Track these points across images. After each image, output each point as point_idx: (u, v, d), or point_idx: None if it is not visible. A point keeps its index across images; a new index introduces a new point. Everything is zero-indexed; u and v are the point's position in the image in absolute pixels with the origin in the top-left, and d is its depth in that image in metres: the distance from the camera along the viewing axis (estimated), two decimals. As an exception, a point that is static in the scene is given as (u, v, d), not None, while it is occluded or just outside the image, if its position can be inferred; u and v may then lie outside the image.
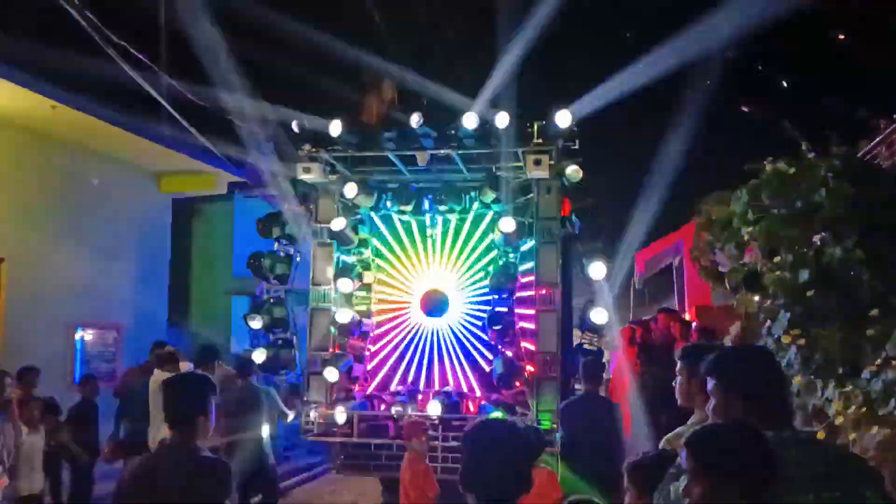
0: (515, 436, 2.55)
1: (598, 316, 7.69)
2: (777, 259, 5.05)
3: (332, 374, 7.88)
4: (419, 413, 7.53)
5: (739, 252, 5.77)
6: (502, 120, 7.59)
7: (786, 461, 2.02)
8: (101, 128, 9.30)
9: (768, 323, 4.97)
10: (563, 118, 7.57)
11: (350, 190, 7.98)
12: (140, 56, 8.61)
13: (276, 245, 8.40)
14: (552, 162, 7.60)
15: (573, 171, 7.72)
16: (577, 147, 7.93)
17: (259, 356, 8.20)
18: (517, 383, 7.75)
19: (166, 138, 9.79)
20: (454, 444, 7.26)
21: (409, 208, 8.36)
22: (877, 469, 2.38)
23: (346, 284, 8.12)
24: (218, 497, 3.28)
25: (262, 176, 9.98)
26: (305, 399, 8.13)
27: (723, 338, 6.31)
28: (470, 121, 7.63)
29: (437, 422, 7.37)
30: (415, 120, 7.80)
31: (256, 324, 8.21)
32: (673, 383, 3.34)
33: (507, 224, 7.59)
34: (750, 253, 5.74)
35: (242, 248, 11.12)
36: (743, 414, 2.23)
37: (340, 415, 7.66)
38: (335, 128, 7.86)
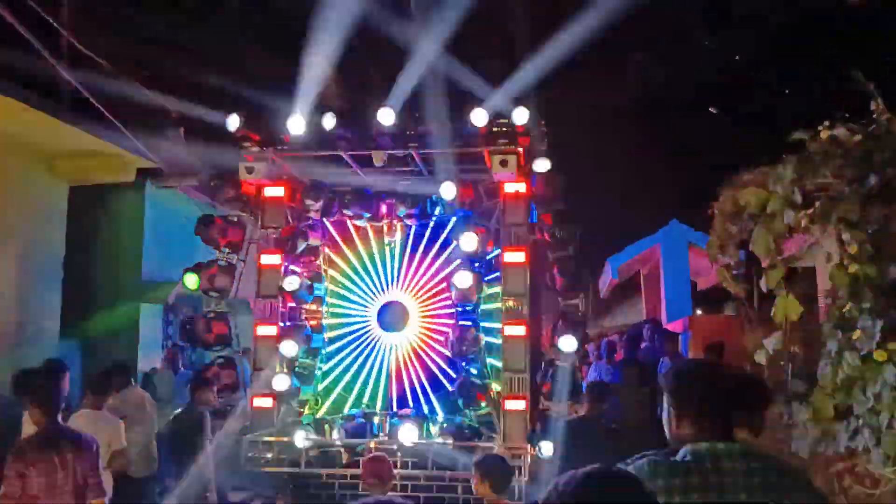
0: None
1: (566, 344, 7.26)
2: (853, 249, 4.13)
3: (289, 347, 7.18)
4: (379, 444, 6.93)
5: (777, 246, 4.85)
6: (478, 117, 7.09)
7: (721, 470, 2.19)
8: None
9: (838, 334, 4.11)
10: (520, 115, 7.16)
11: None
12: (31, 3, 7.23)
13: (217, 253, 7.43)
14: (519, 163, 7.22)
15: (541, 164, 7.35)
16: (545, 148, 7.59)
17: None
18: (482, 403, 7.40)
19: (61, 110, 8.32)
20: (414, 471, 6.81)
21: (365, 213, 7.70)
22: (812, 482, 2.41)
23: (290, 347, 7.34)
24: None
25: (183, 163, 8.86)
26: (248, 424, 7.33)
27: (729, 355, 6.08)
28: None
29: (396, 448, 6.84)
30: (386, 117, 7.09)
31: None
32: (658, 412, 3.01)
33: (469, 243, 7.11)
34: (789, 246, 4.93)
35: (154, 246, 9.86)
36: (686, 427, 2.37)
37: (299, 440, 6.95)
38: (296, 124, 7.02)
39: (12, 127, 8.15)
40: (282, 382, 7.20)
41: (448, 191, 7.05)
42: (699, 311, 11.38)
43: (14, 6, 7.30)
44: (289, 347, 7.29)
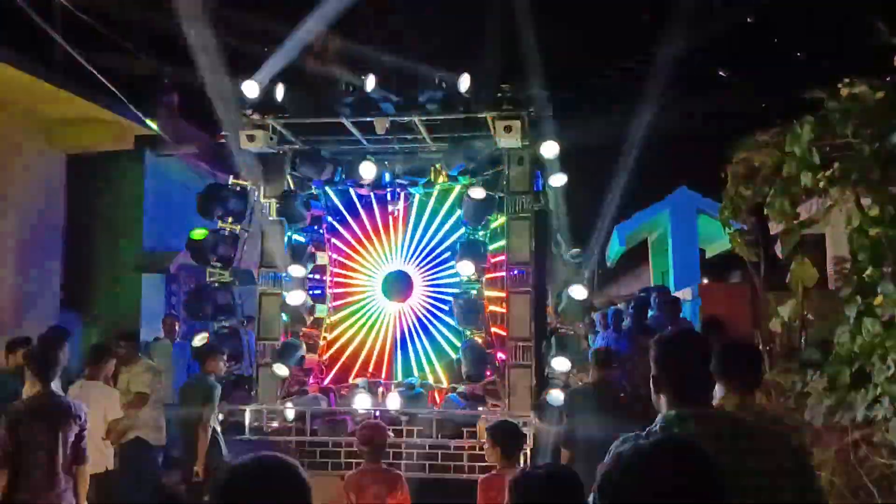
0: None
1: (577, 292, 7.23)
2: (874, 211, 3.94)
3: (281, 369, 7.08)
4: (381, 409, 6.91)
5: (792, 209, 4.64)
6: (465, 82, 6.93)
7: (694, 436, 2.15)
8: None
9: (858, 300, 3.89)
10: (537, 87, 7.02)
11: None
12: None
13: (219, 223, 7.31)
14: (524, 130, 7.06)
15: (548, 147, 7.20)
16: (551, 114, 7.42)
17: (199, 342, 7.19)
18: (487, 372, 7.34)
19: (57, 76, 8.14)
20: (418, 440, 6.80)
21: (367, 181, 7.55)
22: (789, 444, 2.45)
23: (297, 269, 7.29)
24: None
25: (182, 131, 8.71)
26: (254, 394, 7.30)
27: (735, 328, 5.95)
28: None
29: (398, 417, 6.81)
30: (370, 83, 6.96)
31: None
32: None
33: (477, 192, 6.99)
34: (805, 207, 4.75)
35: (154, 216, 9.72)
36: (665, 389, 2.44)
37: (290, 411, 6.92)
38: (280, 91, 6.88)
39: (8, 94, 7.99)
40: (296, 297, 7.12)
41: (477, 193, 6.91)
42: (705, 280, 11.26)
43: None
44: (295, 297, 7.17)
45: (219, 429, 6.53)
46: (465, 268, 6.95)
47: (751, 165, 4.97)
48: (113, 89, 8.17)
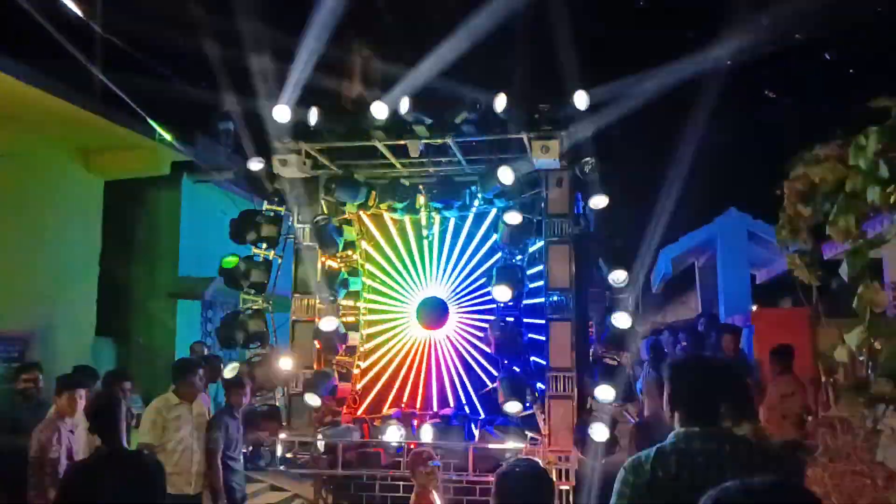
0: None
1: (620, 320, 6.91)
2: None
3: (313, 398, 6.86)
4: (414, 440, 6.65)
5: (858, 227, 4.28)
6: (500, 103, 6.70)
7: (693, 451, 2.51)
8: (9, 87, 7.11)
9: None
10: (581, 99, 6.72)
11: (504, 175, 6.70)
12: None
13: (253, 249, 7.20)
14: (562, 150, 6.80)
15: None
16: (590, 134, 7.16)
17: (230, 373, 7.03)
18: (526, 403, 7.01)
19: (95, 104, 8.20)
20: (454, 475, 6.52)
21: (401, 206, 7.37)
22: (786, 459, 2.66)
23: (331, 293, 7.12)
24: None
25: (219, 156, 8.68)
26: (286, 424, 7.10)
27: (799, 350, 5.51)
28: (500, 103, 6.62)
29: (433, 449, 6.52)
30: (405, 106, 6.79)
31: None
32: None
33: (513, 217, 6.72)
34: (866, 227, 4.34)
35: (190, 242, 9.70)
36: (679, 413, 2.66)
37: (321, 443, 6.71)
38: (313, 116, 6.76)
39: (46, 120, 8.07)
40: (328, 323, 6.93)
41: (506, 175, 6.63)
42: (754, 307, 10.74)
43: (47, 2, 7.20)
44: (328, 324, 6.98)
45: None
46: (502, 293, 6.68)
47: (810, 182, 4.61)
48: (144, 115, 8.16)
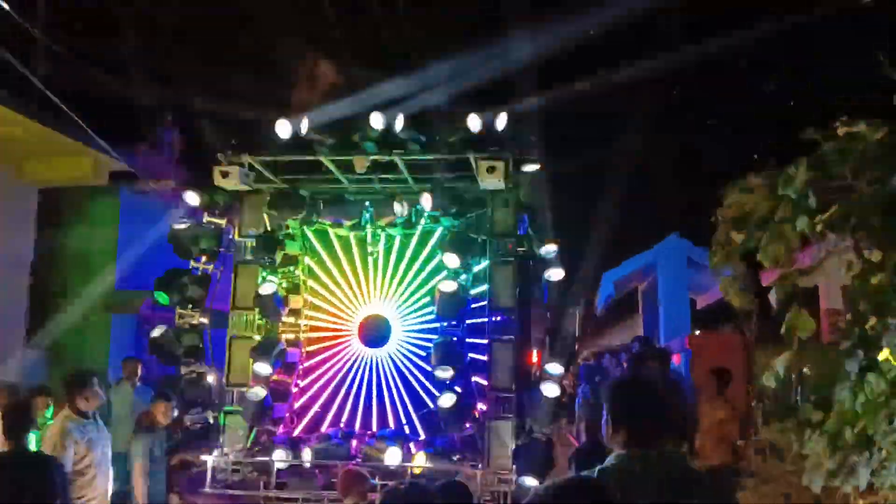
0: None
1: (550, 391, 6.58)
2: (876, 257, 3.77)
3: (263, 367, 6.74)
4: (356, 462, 6.51)
5: (787, 255, 4.41)
6: (473, 122, 6.72)
7: (633, 474, 2.44)
8: None
9: (859, 354, 3.72)
10: (501, 121, 6.82)
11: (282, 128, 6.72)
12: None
13: (191, 262, 7.00)
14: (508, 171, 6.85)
15: (531, 167, 6.97)
16: (534, 158, 7.23)
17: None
18: (466, 424, 6.96)
19: (29, 108, 7.91)
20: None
21: (347, 222, 7.30)
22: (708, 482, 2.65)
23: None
24: None
25: (158, 168, 8.46)
26: (220, 443, 6.88)
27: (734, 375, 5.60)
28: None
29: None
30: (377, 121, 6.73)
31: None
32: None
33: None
34: (799, 255, 4.51)
35: (129, 253, 9.37)
36: (620, 434, 2.59)
37: (262, 461, 6.53)
38: (282, 128, 6.64)
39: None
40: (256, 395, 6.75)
41: (426, 202, 6.68)
42: (697, 332, 10.95)
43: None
44: (262, 367, 6.83)
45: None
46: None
47: (742, 209, 4.72)
48: (79, 121, 7.88)
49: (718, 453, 6.04)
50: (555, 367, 6.75)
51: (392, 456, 6.32)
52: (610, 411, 2.66)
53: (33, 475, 3.62)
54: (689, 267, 10.61)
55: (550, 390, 6.42)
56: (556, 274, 7.00)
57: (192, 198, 7.10)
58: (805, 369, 4.92)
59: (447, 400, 6.48)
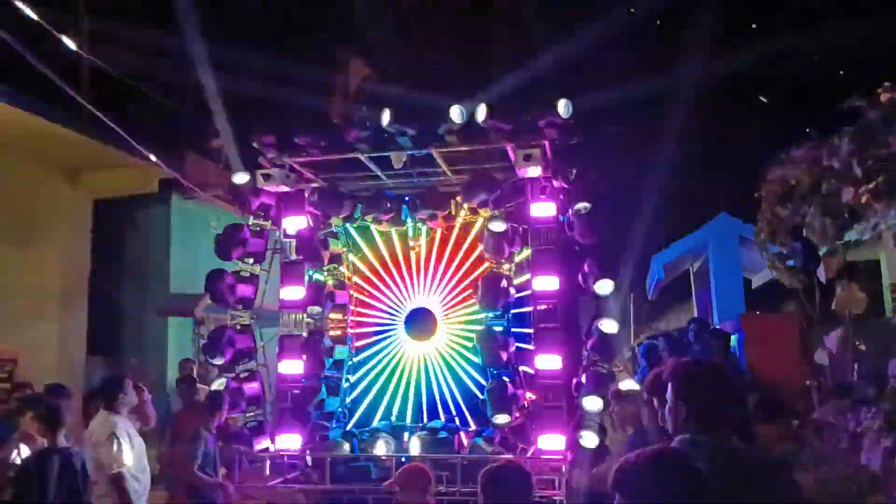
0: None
1: (608, 325, 6.65)
2: None
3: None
4: (405, 455, 6.57)
5: (835, 229, 4.29)
6: (482, 113, 6.65)
7: (712, 466, 2.23)
8: None
9: None
10: (564, 108, 6.67)
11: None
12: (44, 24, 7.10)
13: (239, 264, 7.17)
14: (546, 159, 6.78)
15: (568, 155, 6.86)
16: (575, 142, 7.11)
17: (218, 387, 6.98)
18: (515, 413, 6.94)
19: (83, 123, 8.20)
20: (442, 488, 6.42)
21: (387, 218, 7.35)
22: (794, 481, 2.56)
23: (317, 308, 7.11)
24: None
25: (208, 172, 8.68)
26: (274, 439, 7.04)
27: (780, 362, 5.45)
28: (455, 114, 6.62)
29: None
30: (386, 117, 6.76)
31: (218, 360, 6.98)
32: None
33: (497, 225, 6.68)
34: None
35: (181, 258, 9.69)
36: (685, 420, 2.51)
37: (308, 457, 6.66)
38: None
39: (32, 141, 8.09)
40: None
41: (497, 226, 6.66)
42: (757, 312, 10.62)
43: (30, 23, 7.22)
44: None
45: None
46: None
47: (786, 184, 4.56)
48: (125, 136, 8.10)
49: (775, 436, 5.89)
50: (609, 325, 6.59)
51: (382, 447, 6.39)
52: (677, 394, 2.58)
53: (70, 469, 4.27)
54: (741, 245, 10.30)
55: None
56: (604, 287, 6.77)
57: (240, 177, 7.17)
58: (861, 346, 4.75)
59: (502, 419, 6.48)
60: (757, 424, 5.72)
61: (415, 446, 6.53)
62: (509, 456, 6.42)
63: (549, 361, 6.73)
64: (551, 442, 6.42)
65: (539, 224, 6.92)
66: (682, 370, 2.63)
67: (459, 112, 6.60)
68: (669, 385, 2.59)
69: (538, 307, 6.87)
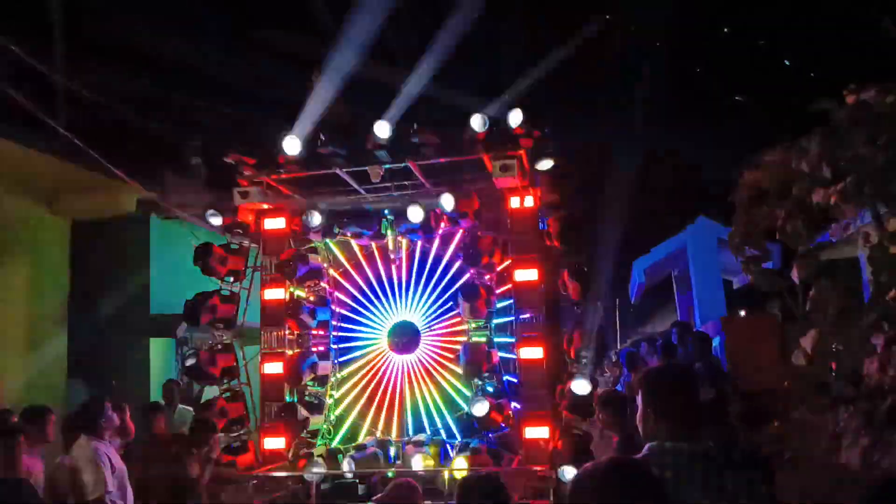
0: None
1: (580, 387, 6.35)
2: (893, 226, 3.69)
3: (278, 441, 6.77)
4: (400, 469, 6.55)
5: (808, 231, 4.32)
6: (476, 122, 6.66)
7: (679, 467, 2.34)
8: None
9: (884, 327, 3.62)
10: (516, 117, 6.70)
11: (315, 219, 6.87)
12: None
13: (220, 283, 7.13)
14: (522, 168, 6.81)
15: (544, 164, 6.87)
16: (551, 150, 7.14)
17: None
18: (501, 423, 6.94)
19: (57, 147, 8.14)
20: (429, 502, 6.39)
21: (367, 232, 7.34)
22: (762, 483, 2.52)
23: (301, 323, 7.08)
24: None
25: (187, 190, 8.64)
26: (259, 458, 6.98)
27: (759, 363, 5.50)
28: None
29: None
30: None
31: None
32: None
33: (447, 201, 6.63)
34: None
35: (161, 278, 9.60)
36: (654, 427, 2.50)
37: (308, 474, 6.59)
38: (291, 144, 6.72)
39: (12, 167, 8.03)
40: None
41: (447, 202, 6.67)
42: (742, 312, 10.70)
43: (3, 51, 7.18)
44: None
45: None
46: (467, 312, 6.59)
47: (759, 187, 4.62)
48: (99, 159, 8.04)
49: (758, 437, 5.93)
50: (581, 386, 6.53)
51: (420, 460, 6.35)
52: (645, 401, 2.57)
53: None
54: (720, 247, 10.40)
55: (580, 387, 6.33)
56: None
57: (214, 219, 7.21)
58: (838, 346, 4.79)
59: (481, 409, 6.46)
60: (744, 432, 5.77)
61: (417, 461, 6.45)
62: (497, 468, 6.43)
63: (532, 370, 6.76)
64: (538, 450, 6.43)
65: (518, 233, 6.95)
66: (649, 377, 2.63)
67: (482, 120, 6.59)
68: (639, 392, 2.60)
69: (520, 317, 6.89)
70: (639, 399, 2.62)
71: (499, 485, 3.45)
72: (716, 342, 7.75)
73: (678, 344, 7.71)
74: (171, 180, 9.26)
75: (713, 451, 2.44)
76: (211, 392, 7.64)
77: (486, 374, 6.79)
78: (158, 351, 9.74)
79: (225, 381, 7.25)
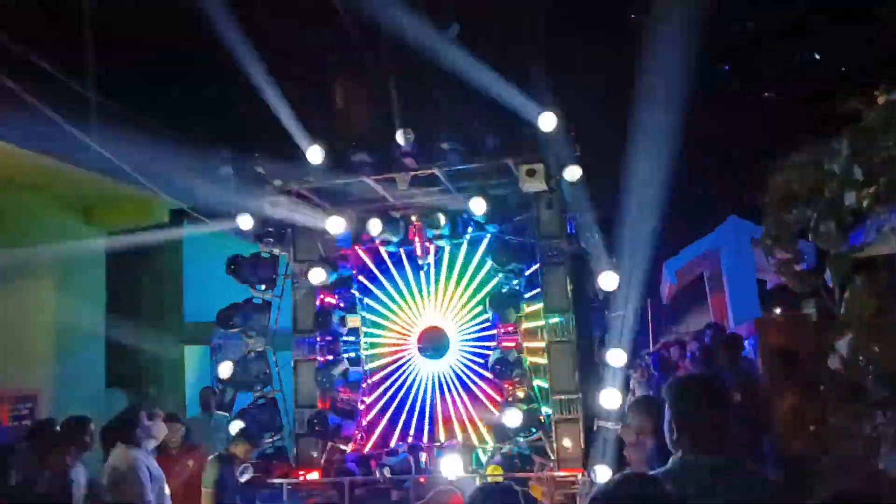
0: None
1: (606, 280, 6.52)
2: None
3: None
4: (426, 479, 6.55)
5: (840, 230, 4.21)
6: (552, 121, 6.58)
7: (702, 483, 2.29)
8: (5, 150, 7.39)
9: None
10: (547, 121, 6.67)
11: (333, 225, 6.95)
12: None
13: (252, 291, 7.24)
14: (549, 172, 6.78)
15: (571, 172, 6.84)
16: (578, 154, 7.11)
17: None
18: (532, 429, 6.92)
19: (91, 160, 8.32)
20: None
21: (394, 238, 7.39)
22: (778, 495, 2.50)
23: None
24: None
25: (219, 200, 8.76)
26: (293, 463, 7.08)
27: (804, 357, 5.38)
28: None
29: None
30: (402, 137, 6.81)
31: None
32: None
33: (478, 205, 6.61)
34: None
35: (195, 287, 9.78)
36: (677, 439, 2.47)
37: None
38: (314, 154, 6.80)
39: (42, 179, 8.22)
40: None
41: (477, 206, 6.67)
42: (777, 311, 10.49)
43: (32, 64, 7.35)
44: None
45: None
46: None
47: (789, 187, 4.54)
48: (130, 171, 8.19)
49: (795, 442, 5.81)
50: (616, 357, 6.54)
51: (450, 466, 6.35)
52: (670, 412, 2.53)
53: None
54: (753, 247, 10.24)
55: (610, 399, 6.28)
56: (607, 282, 6.72)
57: (245, 222, 7.27)
58: (875, 347, 4.68)
59: (513, 418, 6.46)
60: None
61: (448, 466, 6.46)
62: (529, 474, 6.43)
63: (563, 375, 6.74)
64: (570, 456, 6.41)
65: (546, 237, 6.94)
66: (673, 388, 2.58)
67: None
68: (667, 404, 2.56)
69: (550, 321, 6.87)
70: (665, 409, 2.60)
71: (514, 495, 3.42)
72: (749, 343, 7.65)
73: (711, 346, 7.62)
74: (201, 190, 9.41)
75: (735, 466, 2.40)
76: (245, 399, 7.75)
77: (517, 379, 6.78)
78: (193, 358, 9.92)
79: (258, 388, 7.37)
